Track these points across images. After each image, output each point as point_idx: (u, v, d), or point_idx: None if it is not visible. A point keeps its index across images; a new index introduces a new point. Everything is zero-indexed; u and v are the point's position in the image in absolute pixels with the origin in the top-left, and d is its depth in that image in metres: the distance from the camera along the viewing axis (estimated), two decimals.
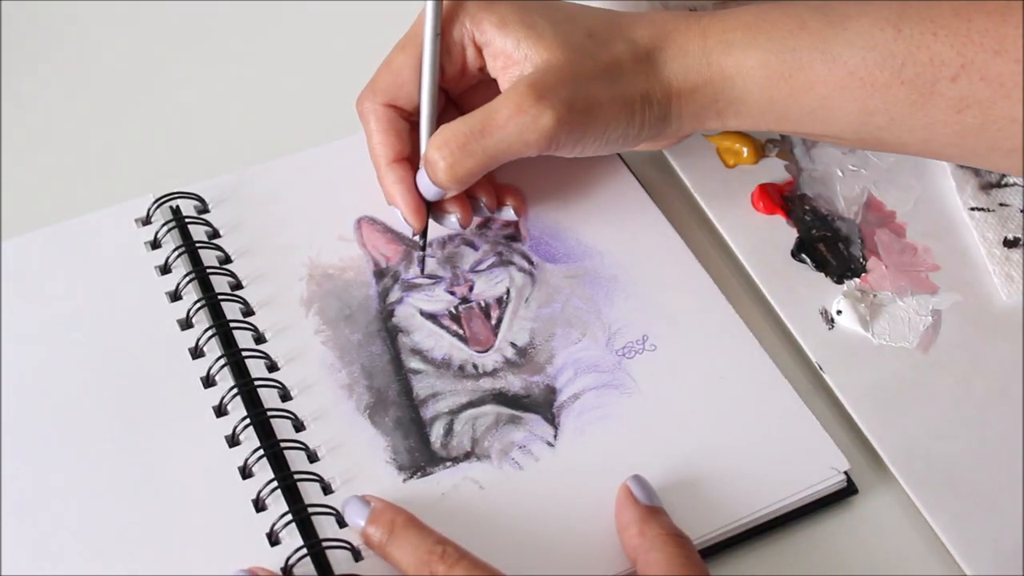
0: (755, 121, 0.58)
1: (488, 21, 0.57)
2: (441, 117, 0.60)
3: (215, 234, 0.62)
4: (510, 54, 0.57)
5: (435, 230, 0.62)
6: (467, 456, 0.55)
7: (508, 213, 0.62)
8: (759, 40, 0.56)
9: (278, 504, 0.53)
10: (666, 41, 0.57)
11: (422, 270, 0.61)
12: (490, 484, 0.54)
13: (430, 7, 0.57)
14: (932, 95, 0.53)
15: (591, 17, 0.58)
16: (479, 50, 0.59)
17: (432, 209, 0.60)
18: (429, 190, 0.59)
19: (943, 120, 0.54)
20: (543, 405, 0.57)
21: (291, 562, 0.52)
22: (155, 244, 0.62)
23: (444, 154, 0.56)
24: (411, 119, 0.60)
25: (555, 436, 0.56)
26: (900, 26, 0.54)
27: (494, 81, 0.59)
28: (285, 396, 0.57)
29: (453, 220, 0.60)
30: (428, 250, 0.62)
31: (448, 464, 0.55)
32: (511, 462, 0.55)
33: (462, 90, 0.61)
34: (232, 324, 0.59)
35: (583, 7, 0.59)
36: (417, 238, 0.61)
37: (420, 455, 0.55)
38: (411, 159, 0.60)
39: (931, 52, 0.53)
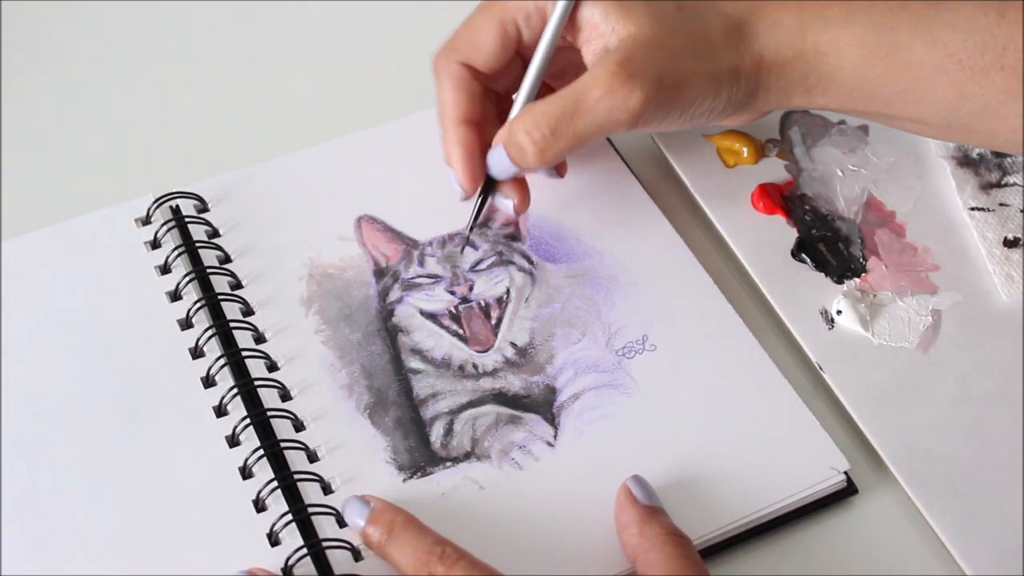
0: (843, 100, 0.57)
1: None
2: (516, 84, 0.59)
3: (215, 233, 0.62)
4: (596, 25, 0.56)
5: (436, 229, 0.62)
6: (467, 456, 0.55)
7: (507, 205, 0.60)
8: (858, 16, 0.55)
9: (278, 504, 0.53)
10: (760, 13, 0.56)
11: (462, 249, 0.61)
12: (490, 484, 0.54)
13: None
14: None
15: None
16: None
17: (495, 188, 0.59)
18: (506, 170, 0.57)
19: None
20: (543, 405, 0.57)
21: (291, 562, 0.52)
22: (155, 244, 0.62)
23: (536, 138, 0.55)
24: (485, 81, 0.59)
25: (555, 436, 0.56)
26: (1004, 11, 0.53)
27: (573, 50, 0.58)
28: (285, 396, 0.57)
29: (509, 205, 0.59)
30: (428, 249, 0.62)
31: (448, 464, 0.55)
32: (511, 462, 0.55)
33: (496, 73, 0.60)
34: (232, 324, 0.59)
35: None
36: (458, 237, 0.61)
37: (420, 455, 0.55)
38: (479, 122, 0.59)
39: None
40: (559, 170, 0.62)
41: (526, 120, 0.55)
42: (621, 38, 0.55)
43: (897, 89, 0.55)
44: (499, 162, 0.58)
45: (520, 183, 0.60)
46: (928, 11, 0.54)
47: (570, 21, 0.57)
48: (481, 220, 0.62)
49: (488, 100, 0.60)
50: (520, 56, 0.59)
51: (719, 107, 0.57)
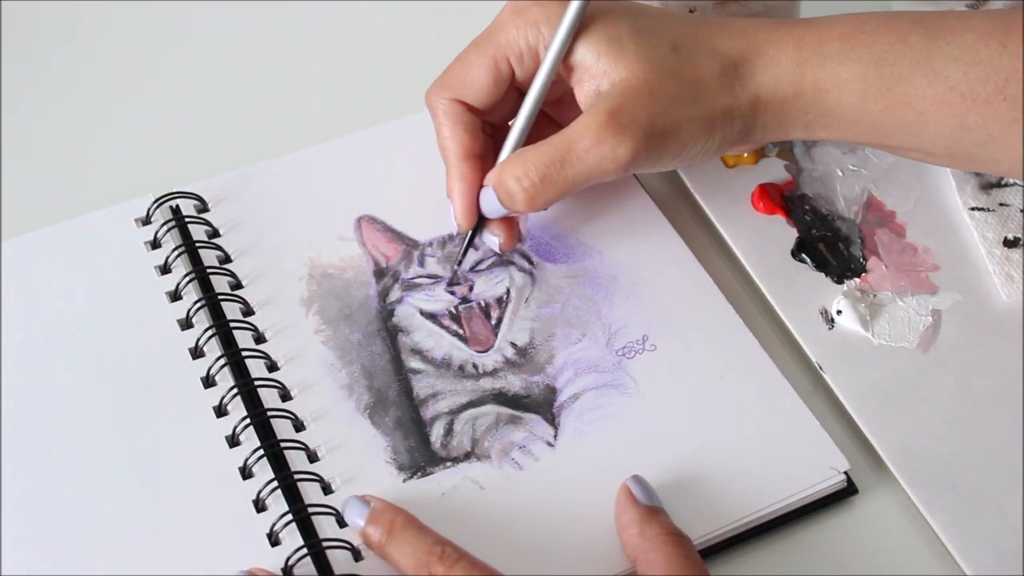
0: (844, 133, 0.56)
1: None
2: (510, 113, 0.59)
3: (215, 233, 0.62)
4: (589, 67, 0.55)
5: (436, 229, 0.62)
6: (467, 456, 0.55)
7: (493, 242, 0.60)
8: (857, 52, 0.54)
9: (278, 504, 0.53)
10: (757, 52, 0.55)
11: (455, 275, 0.61)
12: (490, 484, 0.54)
13: (568, 20, 0.55)
14: None
15: (677, 26, 0.56)
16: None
17: (484, 225, 0.59)
18: (496, 211, 0.58)
19: None
20: (543, 405, 0.57)
21: (291, 562, 0.52)
22: (155, 244, 0.62)
23: (525, 185, 0.55)
24: (479, 115, 0.59)
25: (555, 436, 0.56)
26: (1005, 42, 0.52)
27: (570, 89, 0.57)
28: (285, 396, 0.57)
29: (495, 242, 0.59)
30: (428, 249, 0.62)
31: (448, 464, 0.55)
32: (511, 462, 0.55)
33: (491, 108, 0.59)
34: (232, 324, 0.59)
35: (671, 14, 0.57)
36: (459, 238, 0.61)
37: (420, 455, 0.55)
38: (481, 156, 0.59)
39: None
40: (504, 245, 0.61)
41: (515, 166, 0.55)
42: (613, 82, 0.54)
43: (899, 122, 0.55)
44: (489, 203, 0.58)
45: (509, 221, 0.59)
46: (929, 44, 0.53)
47: (564, 60, 0.56)
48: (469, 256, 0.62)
49: (485, 129, 0.60)
50: (515, 89, 0.59)
51: (712, 147, 0.56)
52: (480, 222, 0.59)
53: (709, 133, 0.55)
